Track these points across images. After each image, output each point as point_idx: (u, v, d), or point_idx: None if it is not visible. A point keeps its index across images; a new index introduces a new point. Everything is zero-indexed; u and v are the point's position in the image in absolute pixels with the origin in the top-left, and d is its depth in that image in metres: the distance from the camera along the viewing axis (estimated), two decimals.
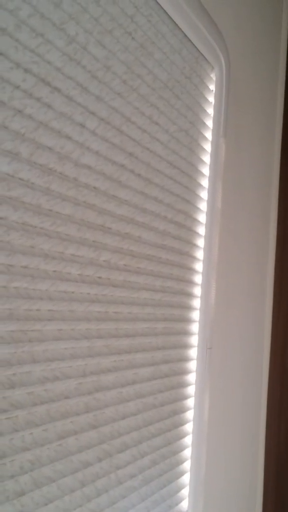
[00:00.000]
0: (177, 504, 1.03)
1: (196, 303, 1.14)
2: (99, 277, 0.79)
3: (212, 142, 1.18)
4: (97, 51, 0.76)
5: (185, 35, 1.04)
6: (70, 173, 0.71)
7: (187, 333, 1.09)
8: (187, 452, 1.09)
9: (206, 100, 1.15)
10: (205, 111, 1.14)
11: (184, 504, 1.07)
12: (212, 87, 1.18)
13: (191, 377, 1.12)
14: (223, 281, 1.31)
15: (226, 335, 1.34)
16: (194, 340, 1.13)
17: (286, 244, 1.67)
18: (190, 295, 1.10)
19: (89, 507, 0.76)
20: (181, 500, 1.05)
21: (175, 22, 0.99)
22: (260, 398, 1.64)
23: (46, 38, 0.66)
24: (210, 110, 1.17)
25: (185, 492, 1.08)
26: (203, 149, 1.14)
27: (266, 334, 1.68)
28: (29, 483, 0.65)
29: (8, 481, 0.62)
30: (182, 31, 1.03)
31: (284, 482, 1.57)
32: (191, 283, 1.11)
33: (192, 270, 1.11)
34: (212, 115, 1.18)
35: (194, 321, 1.13)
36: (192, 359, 1.12)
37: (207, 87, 1.15)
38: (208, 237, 1.17)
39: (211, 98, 1.18)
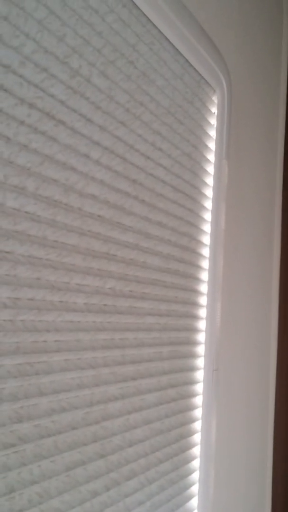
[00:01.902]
0: None
1: (202, 324, 1.14)
2: (105, 305, 0.80)
3: (215, 164, 1.19)
4: (100, 82, 0.77)
5: (187, 60, 1.05)
6: (75, 204, 0.72)
7: (193, 356, 1.09)
8: (195, 476, 1.09)
9: (208, 123, 1.16)
10: (208, 134, 1.15)
11: None
12: (214, 109, 1.19)
13: (198, 400, 1.12)
14: (228, 301, 1.31)
15: (232, 356, 1.34)
16: (200, 362, 1.13)
17: None
18: (195, 317, 1.10)
19: None
20: None
21: (176, 48, 1.01)
22: (267, 418, 1.63)
23: (50, 72, 0.67)
24: (213, 133, 1.18)
25: None
26: (206, 172, 1.15)
27: (272, 353, 1.68)
28: None
29: None
30: (184, 56, 1.04)
31: None
32: (196, 305, 1.11)
33: (197, 292, 1.11)
34: (214, 137, 1.19)
35: (200, 343, 1.13)
36: (198, 382, 1.12)
37: (209, 110, 1.16)
38: (213, 258, 1.17)
39: (213, 121, 1.18)
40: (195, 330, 1.10)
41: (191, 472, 1.06)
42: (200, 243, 1.13)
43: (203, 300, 1.15)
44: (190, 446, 1.07)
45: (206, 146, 1.14)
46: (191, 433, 1.07)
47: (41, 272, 0.66)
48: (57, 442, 0.68)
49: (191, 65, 1.07)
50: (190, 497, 1.06)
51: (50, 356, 0.67)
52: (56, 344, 0.69)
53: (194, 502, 1.08)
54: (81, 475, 0.73)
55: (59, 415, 0.68)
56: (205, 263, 1.16)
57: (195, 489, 1.09)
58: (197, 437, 1.10)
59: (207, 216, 1.16)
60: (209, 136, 1.16)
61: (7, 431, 0.60)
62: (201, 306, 1.13)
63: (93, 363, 0.76)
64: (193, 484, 1.07)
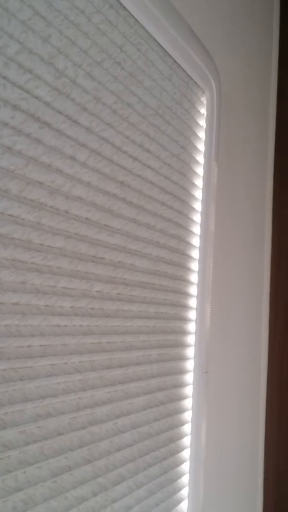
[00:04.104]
0: None
1: (191, 327, 1.13)
2: (92, 308, 0.79)
3: (204, 166, 1.18)
4: (86, 83, 0.76)
5: (175, 61, 1.05)
6: (61, 206, 0.71)
7: (182, 358, 1.09)
8: (185, 479, 1.08)
9: (197, 124, 1.15)
10: (197, 135, 1.15)
11: None
12: (203, 110, 1.18)
13: (188, 403, 1.11)
14: (218, 303, 1.30)
15: (222, 358, 1.33)
16: (189, 365, 1.12)
17: (281, 264, 1.67)
18: (185, 320, 1.10)
19: None
20: None
21: (164, 49, 1.00)
22: (258, 420, 1.63)
23: (34, 73, 0.66)
24: (202, 134, 1.18)
25: None
26: (195, 173, 1.14)
27: (263, 355, 1.67)
28: None
29: None
30: (172, 57, 1.03)
31: (283, 505, 1.55)
32: (185, 307, 1.10)
33: (186, 295, 1.11)
34: (203, 138, 1.18)
35: (190, 346, 1.12)
36: (188, 384, 1.11)
37: (198, 111, 1.15)
38: (202, 260, 1.17)
39: (202, 122, 1.18)
40: (184, 332, 1.10)
41: (180, 475, 1.06)
42: (189, 245, 1.12)
43: (192, 302, 1.14)
44: (180, 449, 1.06)
45: (195, 148, 1.14)
46: (180, 436, 1.06)
47: (25, 276, 0.65)
48: (43, 448, 0.67)
49: (179, 66, 1.06)
50: (179, 501, 1.05)
51: (35, 361, 0.66)
52: (42, 349, 0.68)
53: (183, 506, 1.07)
54: (67, 481, 0.72)
55: (45, 421, 0.67)
56: (194, 265, 1.15)
57: (184, 492, 1.08)
58: (186, 440, 1.10)
59: (197, 217, 1.16)
60: (198, 137, 1.16)
61: None
62: (190, 308, 1.13)
63: (80, 368, 0.75)
64: (182, 487, 1.07)
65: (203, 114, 1.18)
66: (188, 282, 1.12)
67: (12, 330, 0.62)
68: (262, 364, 1.67)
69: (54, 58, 0.70)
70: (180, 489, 1.05)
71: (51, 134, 0.69)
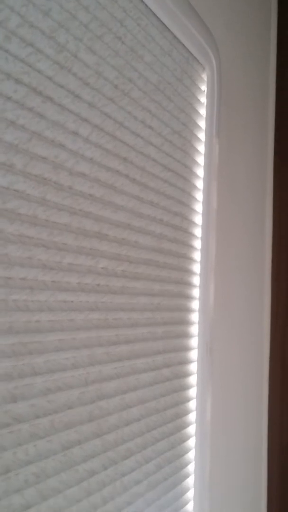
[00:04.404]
0: (182, 507, 1.03)
1: (195, 305, 1.14)
2: (98, 285, 0.79)
3: (205, 143, 1.18)
4: (87, 58, 0.76)
5: (175, 37, 1.04)
6: (65, 182, 0.71)
7: (187, 336, 1.09)
8: (191, 455, 1.09)
9: (198, 100, 1.14)
10: (198, 112, 1.14)
11: (190, 507, 1.07)
12: (203, 87, 1.17)
13: (193, 379, 1.12)
14: (221, 281, 1.30)
15: (226, 335, 1.34)
16: (194, 342, 1.13)
17: (282, 240, 1.67)
18: (189, 297, 1.10)
19: None
20: (186, 502, 1.05)
21: (164, 24, 0.99)
22: (261, 396, 1.64)
23: (36, 47, 0.65)
24: (203, 111, 1.17)
25: (190, 494, 1.08)
26: (197, 150, 1.14)
27: (266, 332, 1.68)
28: (34, 496, 0.64)
29: (13, 495, 0.61)
30: (172, 33, 1.02)
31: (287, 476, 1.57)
32: (189, 285, 1.10)
33: (190, 272, 1.11)
34: (204, 115, 1.17)
35: (194, 323, 1.13)
36: (193, 361, 1.12)
37: (199, 87, 1.15)
38: (205, 238, 1.17)
39: (203, 99, 1.17)
40: (188, 310, 1.10)
41: (187, 451, 1.07)
42: (192, 222, 1.12)
43: (196, 280, 1.14)
44: (186, 425, 1.07)
45: (196, 124, 1.13)
46: (186, 412, 1.07)
47: (32, 251, 0.65)
48: (53, 421, 0.68)
49: (179, 42, 1.05)
50: (186, 476, 1.06)
51: (43, 336, 0.66)
52: (50, 324, 0.68)
53: (190, 481, 1.09)
54: (78, 455, 0.73)
55: (54, 395, 0.67)
56: (197, 243, 1.15)
57: (191, 468, 1.09)
58: (192, 416, 1.11)
59: (199, 195, 1.16)
60: (199, 114, 1.15)
61: (1, 411, 0.60)
62: (194, 286, 1.13)
63: (88, 343, 0.75)
64: (189, 462, 1.08)
65: (204, 90, 1.17)
66: (191, 260, 1.12)
67: (20, 305, 0.63)
68: (265, 339, 1.68)
69: (55, 32, 0.69)
70: (187, 464, 1.06)
71: (54, 108, 0.68)
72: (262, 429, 1.65)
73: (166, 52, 1.00)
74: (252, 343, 1.56)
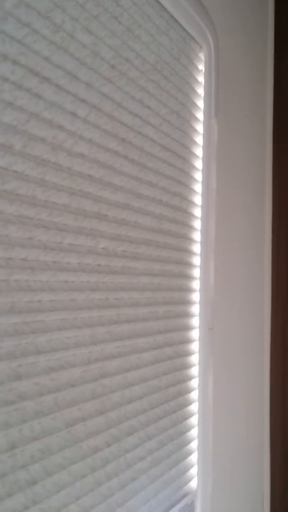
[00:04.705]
0: (186, 483, 1.05)
1: (196, 284, 1.15)
2: (99, 265, 0.80)
3: (204, 123, 1.17)
4: (84, 38, 0.75)
5: (172, 16, 1.03)
6: (64, 163, 0.71)
7: (188, 315, 1.10)
8: (194, 432, 1.11)
9: (196, 80, 1.14)
10: (196, 91, 1.14)
11: (193, 483, 1.09)
12: (201, 67, 1.17)
13: (194, 358, 1.13)
14: (221, 261, 1.31)
15: (226, 314, 1.35)
16: (195, 321, 1.14)
17: (282, 220, 1.67)
18: (189, 277, 1.11)
19: (100, 491, 0.77)
20: (189, 479, 1.07)
21: (161, 3, 0.98)
22: (263, 373, 1.66)
23: (32, 28, 0.65)
24: (201, 91, 1.17)
25: (193, 471, 1.10)
26: (195, 130, 1.14)
27: (266, 310, 1.69)
28: (40, 472, 0.66)
29: (20, 471, 0.63)
30: (169, 12, 1.01)
31: None
32: (189, 265, 1.11)
33: (190, 252, 1.11)
34: (202, 95, 1.17)
35: (195, 303, 1.14)
36: (194, 341, 1.13)
37: (196, 67, 1.14)
38: (205, 218, 1.17)
39: (201, 78, 1.17)
40: (189, 290, 1.11)
41: (189, 428, 1.08)
42: (191, 203, 1.12)
43: (196, 260, 1.15)
44: (188, 403, 1.08)
45: (195, 104, 1.13)
46: (188, 390, 1.09)
47: (32, 232, 0.65)
48: (57, 399, 0.69)
49: (176, 21, 1.05)
50: (189, 453, 1.08)
51: (45, 315, 0.67)
52: (52, 304, 0.69)
53: (193, 458, 1.10)
54: (81, 432, 0.74)
55: (57, 373, 0.68)
56: (197, 223, 1.15)
57: (194, 445, 1.11)
58: (194, 395, 1.12)
59: (198, 175, 1.16)
60: (197, 94, 1.15)
61: (6, 389, 0.61)
62: (194, 266, 1.14)
63: (89, 322, 0.76)
64: (192, 440, 1.10)
65: (201, 70, 1.17)
66: (191, 240, 1.12)
67: (22, 285, 0.63)
68: (265, 318, 1.69)
69: (51, 12, 0.69)
70: (190, 441, 1.08)
71: (51, 89, 0.68)
72: (264, 406, 1.67)
73: (163, 31, 0.99)
74: (252, 322, 1.57)
